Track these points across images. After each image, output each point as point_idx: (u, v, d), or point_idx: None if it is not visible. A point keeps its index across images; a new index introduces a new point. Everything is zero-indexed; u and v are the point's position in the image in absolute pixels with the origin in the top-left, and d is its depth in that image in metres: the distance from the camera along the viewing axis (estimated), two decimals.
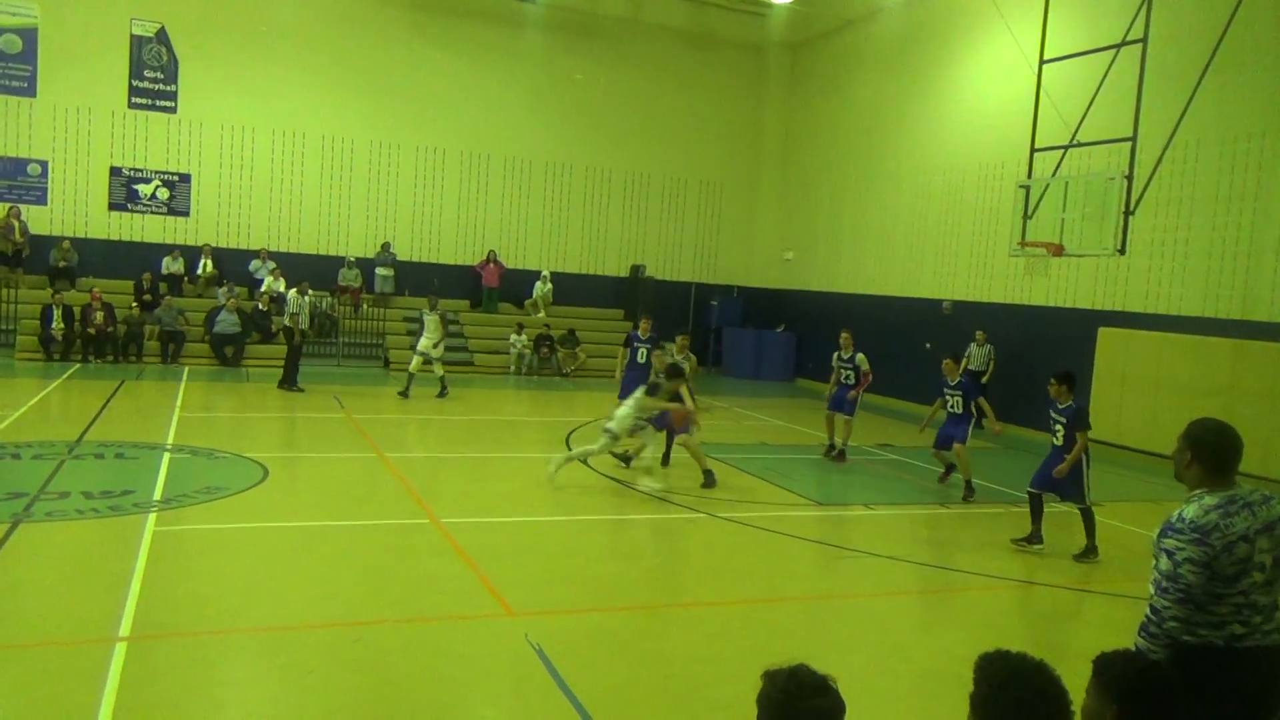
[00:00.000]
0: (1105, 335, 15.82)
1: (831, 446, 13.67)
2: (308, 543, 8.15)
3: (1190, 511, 3.31)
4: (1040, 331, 17.03)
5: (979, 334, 17.60)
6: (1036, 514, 9.25)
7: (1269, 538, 3.30)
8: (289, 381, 16.83)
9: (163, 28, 20.89)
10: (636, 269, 24.91)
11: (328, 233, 22.63)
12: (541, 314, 23.45)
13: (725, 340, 25.07)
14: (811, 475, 12.65)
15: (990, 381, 17.18)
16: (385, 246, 22.56)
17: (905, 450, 14.83)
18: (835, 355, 13.86)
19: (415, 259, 23.21)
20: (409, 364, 17.22)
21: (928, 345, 18.74)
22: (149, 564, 7.03)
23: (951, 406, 11.56)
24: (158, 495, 9.07)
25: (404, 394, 16.66)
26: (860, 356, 13.44)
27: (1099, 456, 15.18)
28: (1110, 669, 2.70)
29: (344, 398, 16.44)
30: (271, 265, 21.37)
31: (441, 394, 17.03)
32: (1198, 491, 3.38)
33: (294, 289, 17.98)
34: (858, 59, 23.12)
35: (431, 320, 17.25)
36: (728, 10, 25.02)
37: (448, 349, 21.90)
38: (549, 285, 23.87)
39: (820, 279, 24.11)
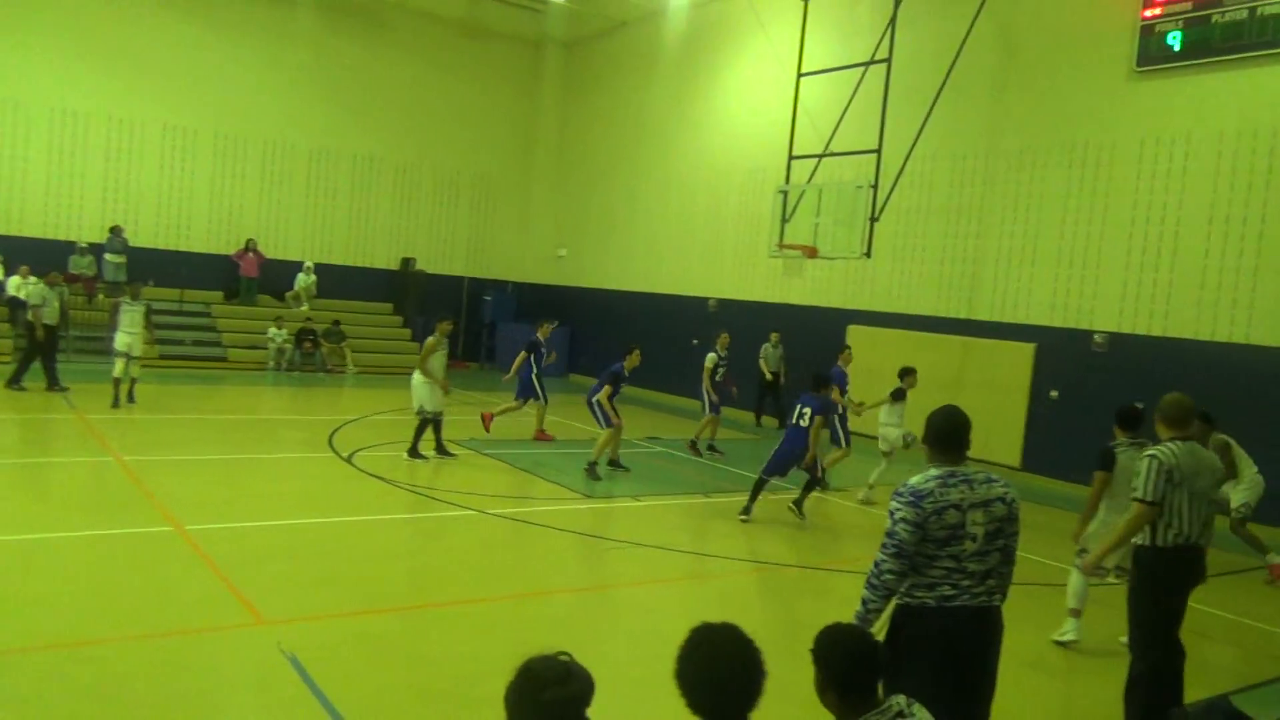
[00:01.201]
0: (854, 332, 17.00)
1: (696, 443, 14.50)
2: (24, 558, 7.30)
3: (915, 480, 3.74)
4: (798, 328, 18.05)
5: (773, 335, 17.84)
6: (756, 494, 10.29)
7: (984, 513, 3.68)
8: (16, 382, 15.01)
9: None
10: (407, 262, 24.20)
11: (57, 215, 20.45)
12: (304, 307, 22.29)
13: (499, 336, 24.83)
14: (581, 469, 12.76)
15: (786, 383, 17.63)
16: (115, 231, 20.48)
17: (671, 443, 15.27)
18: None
19: (162, 245, 21.42)
20: (113, 369, 14.32)
21: (694, 341, 19.42)
22: None
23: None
24: None
25: (116, 404, 14.18)
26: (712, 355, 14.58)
27: (855, 447, 16.24)
28: (823, 647, 2.88)
29: (75, 396, 14.91)
30: None
31: (129, 400, 14.45)
32: (929, 467, 3.80)
33: (34, 279, 15.99)
34: (632, 60, 23.59)
35: (132, 313, 14.40)
36: (504, 4, 24.82)
37: (197, 343, 20.48)
38: (312, 277, 22.72)
39: (593, 275, 24.42)
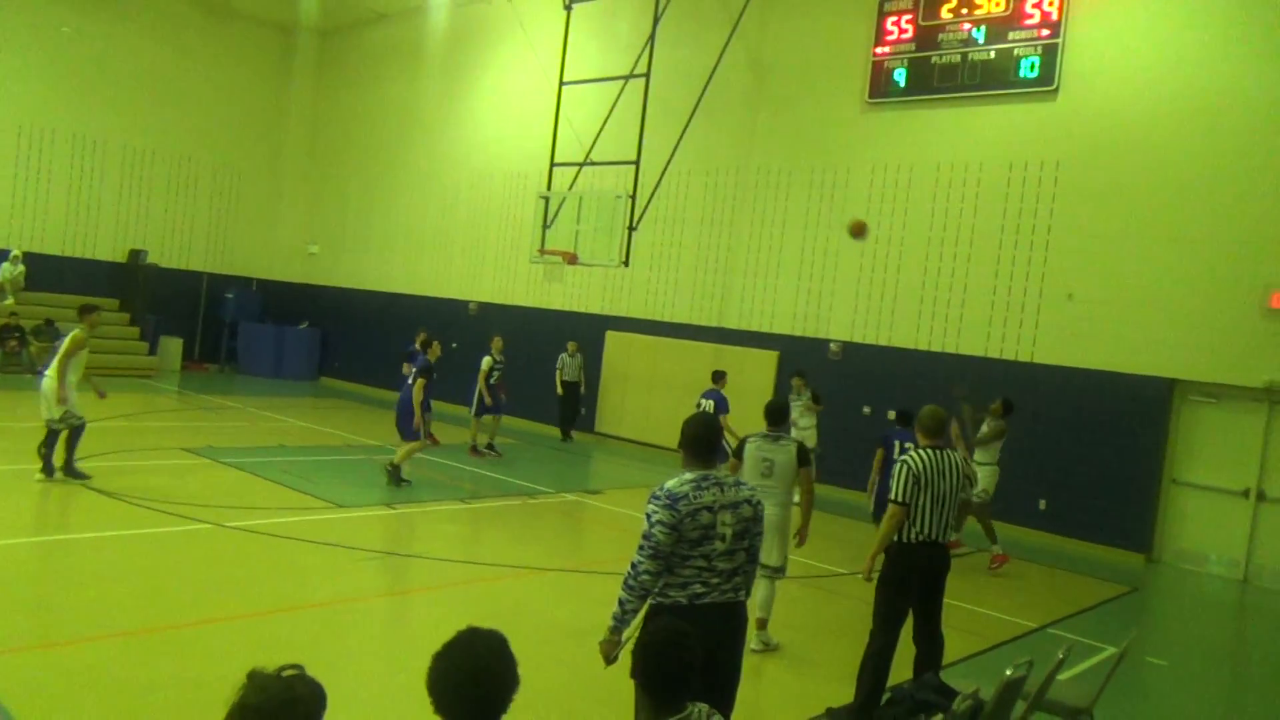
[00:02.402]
0: (611, 338, 17.37)
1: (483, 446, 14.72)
2: None
3: (670, 484, 3.90)
4: (556, 333, 18.17)
5: (570, 345, 17.39)
6: None
7: (732, 514, 3.89)
8: None
9: None
10: (136, 254, 22.12)
11: None
12: (10, 300, 19.85)
13: (241, 336, 23.25)
14: (333, 477, 12.20)
15: (586, 393, 17.44)
16: None
17: (429, 449, 14.91)
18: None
19: None
20: None
21: (454, 345, 19.09)
22: None
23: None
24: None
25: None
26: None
27: (605, 448, 16.61)
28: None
29: None
30: None
31: None
32: (683, 470, 3.99)
33: None
34: (393, 54, 22.89)
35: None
36: None
37: None
38: (20, 267, 20.26)
39: (348, 275, 23.46)
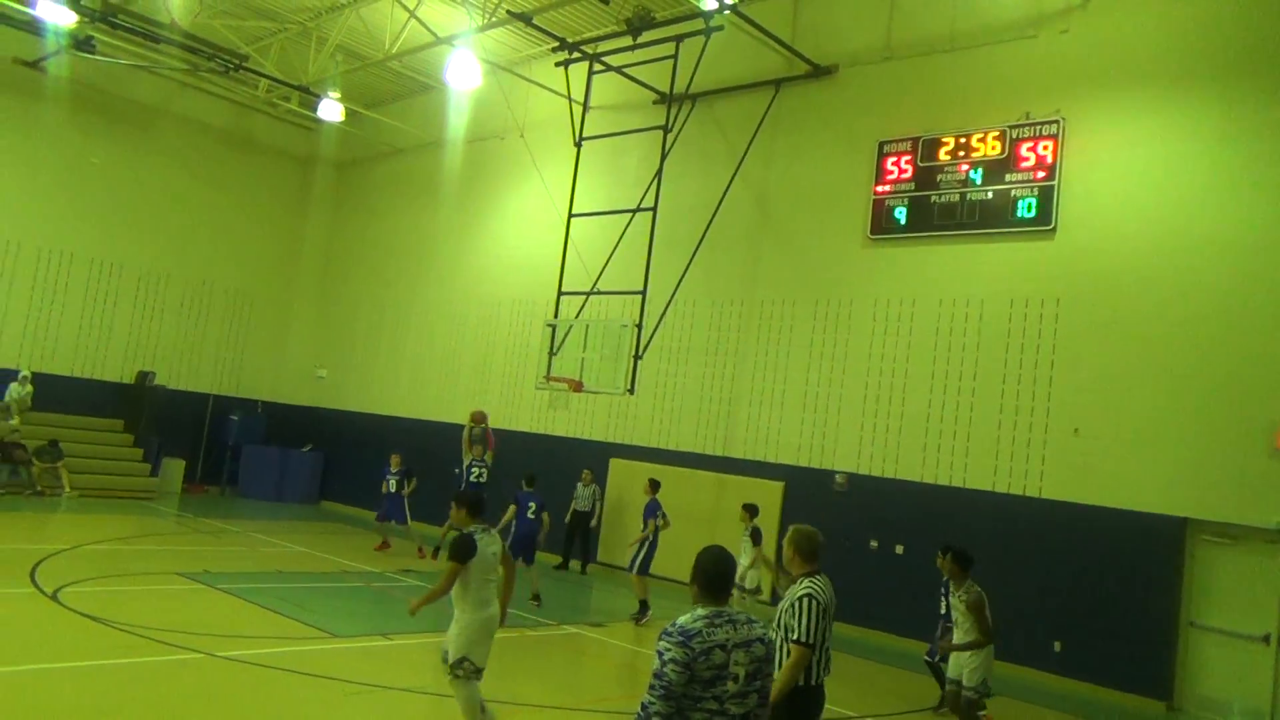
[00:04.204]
0: (615, 465, 17.27)
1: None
2: None
3: (683, 620, 3.75)
4: (561, 460, 18.09)
5: (585, 474, 17.22)
6: None
7: (745, 653, 3.75)
8: None
9: None
10: (144, 375, 22.28)
11: None
12: (15, 420, 19.88)
13: (244, 459, 23.17)
14: (328, 605, 11.93)
15: (599, 521, 17.20)
16: None
17: (426, 575, 14.64)
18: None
19: None
20: None
21: (457, 470, 18.96)
22: None
23: None
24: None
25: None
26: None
27: (608, 578, 16.29)
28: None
29: None
30: None
31: None
32: (696, 606, 3.86)
33: None
34: (405, 186, 23.61)
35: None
36: (274, 119, 24.33)
37: None
38: (29, 387, 20.38)
39: (355, 398, 23.55)
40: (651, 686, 3.65)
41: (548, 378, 15.71)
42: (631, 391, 14.88)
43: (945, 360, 13.86)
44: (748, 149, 16.18)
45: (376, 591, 13.13)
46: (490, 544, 6.74)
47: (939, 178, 14.19)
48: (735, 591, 12.16)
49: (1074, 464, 12.50)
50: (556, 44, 17.09)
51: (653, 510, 13.39)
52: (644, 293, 15.18)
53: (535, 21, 16.22)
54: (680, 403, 16.90)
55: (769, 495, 15.20)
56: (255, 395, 24.44)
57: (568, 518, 17.03)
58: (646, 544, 13.00)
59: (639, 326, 14.97)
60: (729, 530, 14.61)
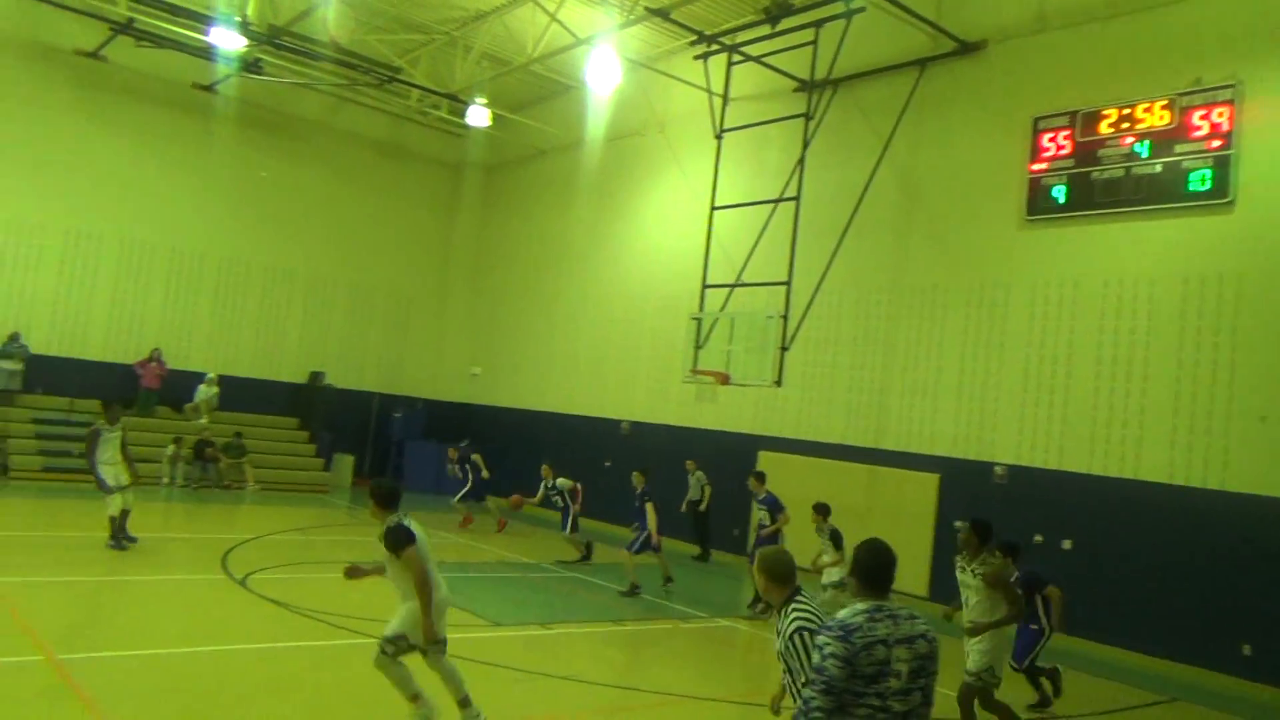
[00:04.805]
0: (764, 458, 17.18)
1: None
2: None
3: (843, 613, 3.73)
4: (710, 453, 18.15)
5: (689, 464, 17.67)
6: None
7: (908, 649, 3.69)
8: None
9: None
10: (316, 376, 23.72)
11: None
12: (204, 419, 21.51)
13: (407, 454, 24.33)
14: (489, 594, 12.40)
15: (708, 509, 17.59)
16: (14, 337, 19.75)
17: (582, 567, 14.99)
18: (543, 485, 15.87)
19: (56, 353, 20.57)
20: (109, 506, 12.38)
21: (607, 464, 19.35)
22: None
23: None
24: None
25: (115, 544, 12.36)
26: (562, 480, 15.45)
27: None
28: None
29: None
30: None
31: (127, 539, 12.55)
32: (855, 600, 3.82)
33: None
34: (550, 186, 24.16)
35: (112, 440, 12.49)
36: (425, 127, 25.32)
37: (80, 455, 19.41)
38: (215, 389, 22.01)
39: (507, 395, 24.30)
40: (812, 681, 3.64)
41: (694, 371, 15.79)
42: (779, 383, 14.77)
43: (1113, 345, 13.14)
44: (893, 133, 15.77)
45: (536, 583, 13.54)
46: (420, 527, 6.75)
47: (1100, 153, 13.44)
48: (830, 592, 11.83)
49: (1262, 454, 11.62)
50: (695, 37, 17.11)
51: (776, 504, 13.04)
52: (789, 283, 15.03)
53: (673, 16, 16.28)
54: (829, 394, 16.66)
55: (923, 489, 14.82)
56: (416, 393, 25.58)
57: (682, 507, 17.44)
58: (780, 538, 12.74)
59: (785, 318, 14.85)
60: (882, 524, 14.33)
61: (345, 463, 23.48)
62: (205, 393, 21.84)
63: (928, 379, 15.25)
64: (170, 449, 20.02)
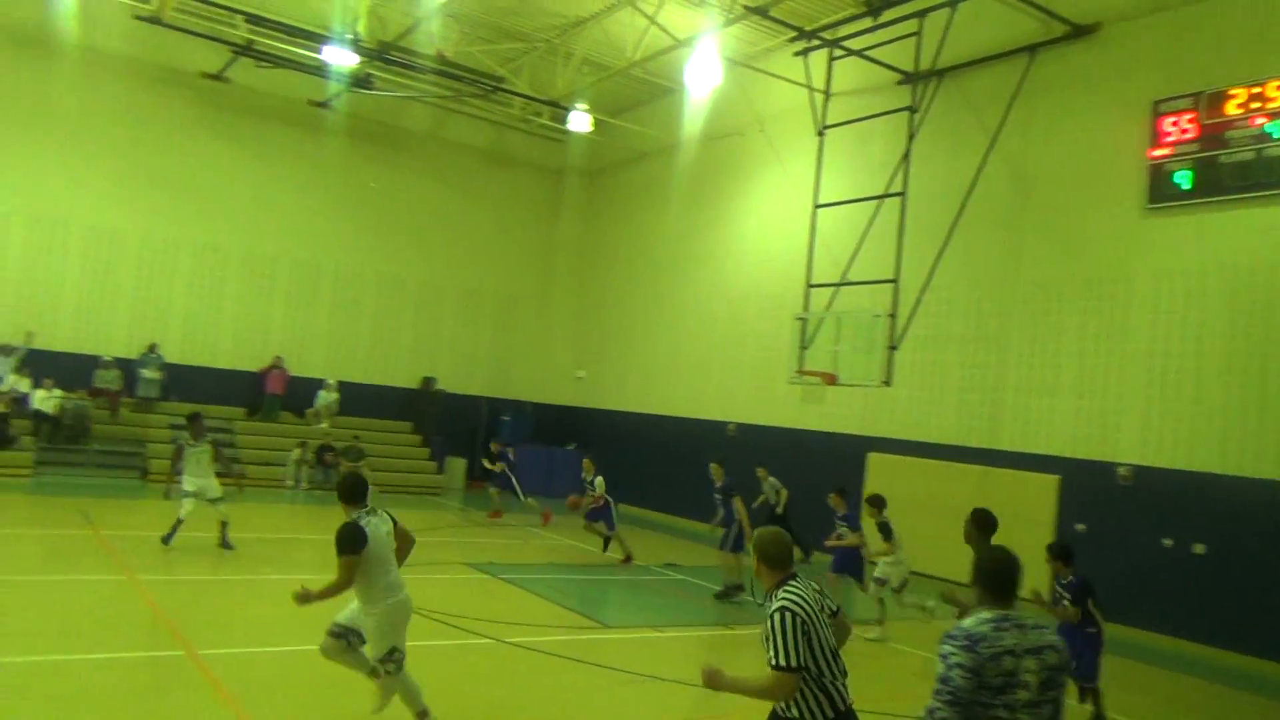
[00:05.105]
0: (874, 460, 16.90)
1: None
2: (31, 681, 7.16)
3: (967, 622, 3.62)
4: (816, 455, 17.95)
5: (760, 471, 17.00)
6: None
7: (1036, 659, 3.57)
8: None
9: None
10: (427, 381, 24.44)
11: (87, 330, 20.84)
12: (325, 424, 22.40)
13: (516, 456, 24.74)
14: (599, 596, 12.55)
15: (785, 512, 17.00)
16: (152, 348, 21.00)
17: (690, 569, 15.02)
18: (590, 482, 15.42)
19: (188, 362, 21.74)
20: (180, 508, 12.70)
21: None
22: None
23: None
24: None
25: (168, 541, 12.53)
26: (599, 480, 15.21)
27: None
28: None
29: (92, 511, 14.88)
30: (16, 358, 19.31)
31: (225, 546, 12.88)
32: (978, 608, 3.70)
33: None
34: (651, 189, 24.28)
35: (198, 455, 12.82)
36: (527, 135, 25.76)
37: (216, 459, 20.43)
38: (335, 394, 22.90)
39: (611, 398, 24.53)
40: (937, 691, 3.55)
41: (800, 372, 15.65)
42: (888, 383, 14.52)
43: (1245, 338, 12.45)
44: (1002, 123, 15.29)
45: (644, 585, 13.63)
46: (381, 525, 6.47)
47: (1228, 134, 12.76)
48: (872, 585, 11.49)
49: None
50: (794, 34, 16.96)
51: (857, 523, 12.21)
52: (896, 281, 14.77)
53: (773, 14, 16.17)
54: (939, 393, 16.26)
55: (1041, 491, 14.32)
56: (523, 397, 26.05)
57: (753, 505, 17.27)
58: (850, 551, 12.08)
59: (893, 316, 14.59)
60: (999, 529, 13.93)
61: (457, 466, 24.08)
62: (325, 399, 22.74)
63: (1044, 376, 14.74)
64: (295, 453, 20.92)
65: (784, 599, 4.31)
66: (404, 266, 24.56)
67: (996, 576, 3.73)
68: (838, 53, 16.77)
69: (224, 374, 22.12)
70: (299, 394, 22.59)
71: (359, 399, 23.48)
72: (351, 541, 6.15)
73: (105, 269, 21.04)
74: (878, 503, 11.43)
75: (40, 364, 19.61)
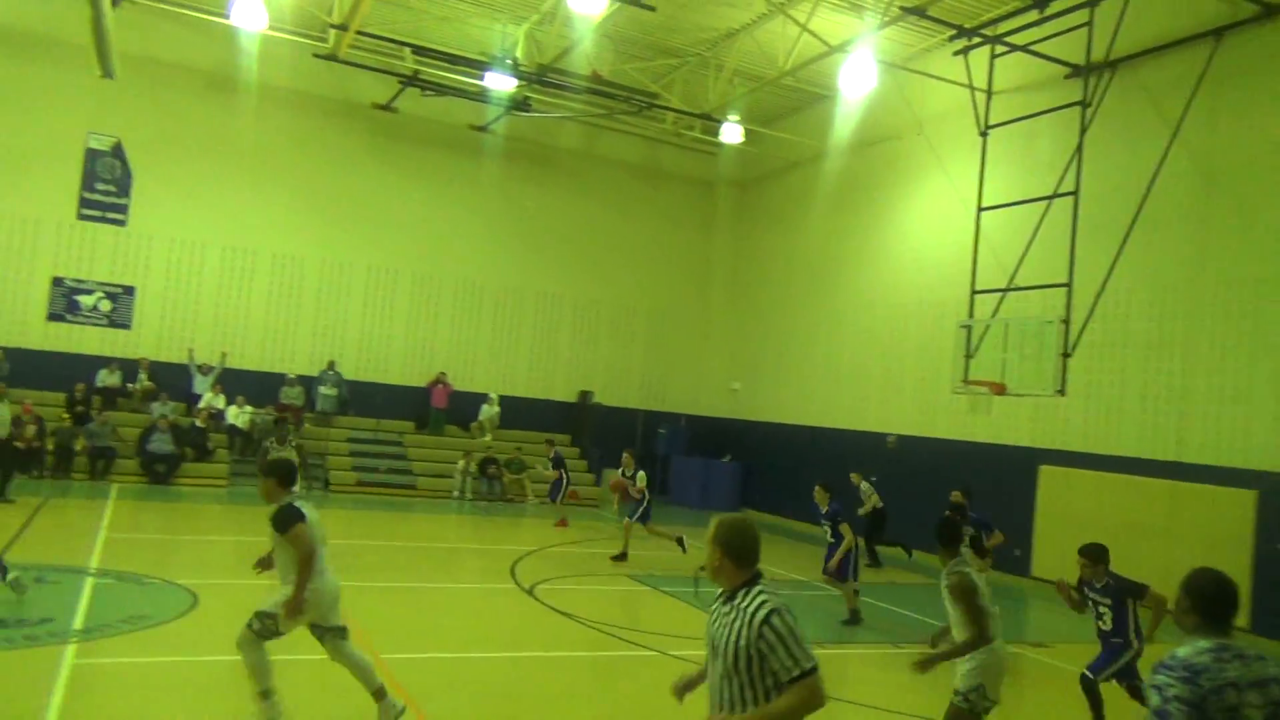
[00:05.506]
0: (1046, 473, 16.08)
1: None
2: (237, 679, 7.70)
3: (1184, 651, 3.35)
4: (982, 467, 17.23)
5: (854, 476, 17.27)
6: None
7: (1260, 693, 3.29)
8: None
9: (119, 142, 20.97)
10: (585, 394, 24.95)
11: (273, 349, 22.36)
12: (487, 437, 23.20)
13: (673, 469, 24.98)
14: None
15: (872, 516, 17.23)
16: (330, 365, 22.34)
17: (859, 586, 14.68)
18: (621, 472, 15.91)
19: (362, 378, 22.99)
20: None
21: (873, 478, 18.84)
22: (66, 701, 6.58)
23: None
24: (78, 624, 8.56)
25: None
26: (640, 474, 15.53)
27: (1045, 594, 15.16)
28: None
29: None
30: (213, 377, 20.92)
31: None
32: (1193, 636, 3.43)
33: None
34: (804, 198, 24.00)
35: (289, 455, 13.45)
36: (679, 148, 25.97)
37: (390, 471, 21.55)
38: (497, 408, 23.70)
39: (768, 409, 24.33)
40: None
41: (966, 381, 15.09)
42: (1062, 392, 13.81)
43: None
44: (1185, 113, 14.31)
45: (804, 600, 13.43)
46: (313, 510, 6.46)
47: None
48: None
49: None
50: (953, 32, 16.44)
51: (988, 523, 11.68)
52: (1069, 285, 14.04)
53: (930, 13, 15.73)
54: (1118, 402, 15.33)
55: (1237, 507, 13.27)
56: (678, 409, 26.21)
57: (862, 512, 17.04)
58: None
59: (1066, 322, 13.87)
60: (1188, 547, 13.04)
61: (615, 477, 24.38)
62: (488, 412, 23.55)
63: (1239, 382, 13.67)
64: (460, 464, 21.74)
65: (768, 598, 3.65)
66: (560, 282, 25.19)
67: (1217, 601, 3.44)
68: (1000, 49, 16.15)
69: (395, 389, 23.25)
70: (462, 408, 23.48)
71: (519, 412, 24.20)
72: (298, 514, 6.23)
73: (289, 292, 22.52)
74: (958, 510, 10.79)
75: (233, 382, 21.16)
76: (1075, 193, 14.44)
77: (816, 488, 12.15)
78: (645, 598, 12.41)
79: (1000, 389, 14.46)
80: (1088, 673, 7.90)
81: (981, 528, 11.50)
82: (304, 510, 6.31)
